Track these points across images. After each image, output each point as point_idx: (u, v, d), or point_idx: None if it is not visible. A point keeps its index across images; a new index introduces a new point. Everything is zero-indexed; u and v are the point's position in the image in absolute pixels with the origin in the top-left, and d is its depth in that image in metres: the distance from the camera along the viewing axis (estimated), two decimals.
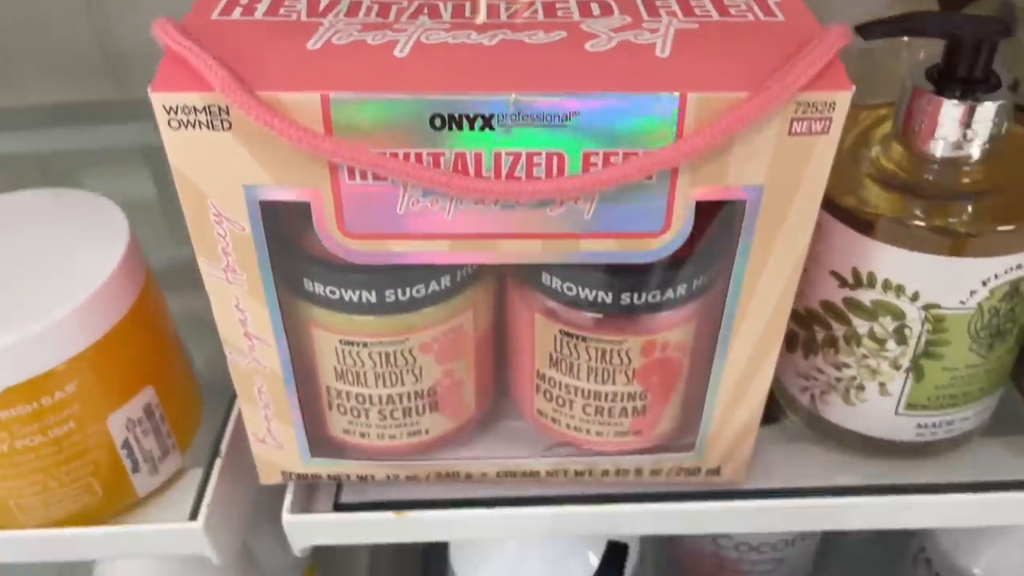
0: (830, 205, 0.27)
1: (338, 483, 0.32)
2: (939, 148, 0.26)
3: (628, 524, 0.30)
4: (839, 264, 0.27)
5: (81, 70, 0.43)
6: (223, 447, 0.32)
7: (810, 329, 0.30)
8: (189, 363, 0.34)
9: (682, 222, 0.23)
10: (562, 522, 0.30)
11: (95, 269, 0.27)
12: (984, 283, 0.26)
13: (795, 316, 0.30)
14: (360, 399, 0.27)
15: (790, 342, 0.31)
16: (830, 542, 0.48)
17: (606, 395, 0.27)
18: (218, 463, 0.32)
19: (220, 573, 0.41)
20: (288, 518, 0.30)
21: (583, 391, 0.28)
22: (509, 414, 0.31)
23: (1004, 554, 0.40)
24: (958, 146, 0.25)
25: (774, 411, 0.33)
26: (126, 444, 0.30)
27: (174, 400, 0.31)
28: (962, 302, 0.26)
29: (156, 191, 0.43)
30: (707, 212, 0.23)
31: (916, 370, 0.28)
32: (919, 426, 0.30)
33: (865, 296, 0.27)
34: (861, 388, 0.29)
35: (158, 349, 0.31)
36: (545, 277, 0.26)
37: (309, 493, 0.31)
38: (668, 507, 0.30)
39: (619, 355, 0.26)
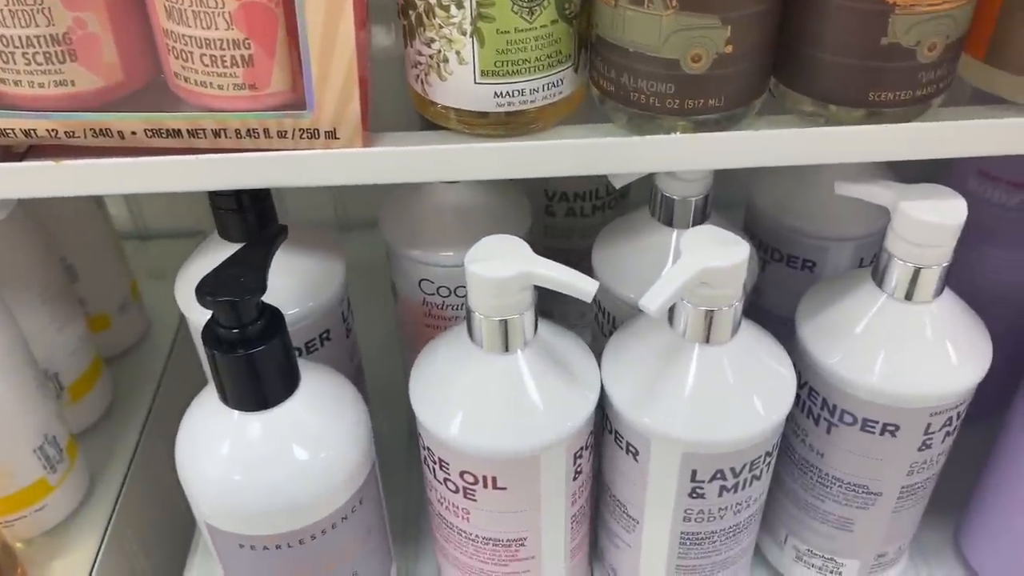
0: None
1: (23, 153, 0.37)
2: None
3: (260, 174, 0.36)
4: None
5: None
6: None
7: (408, 16, 0.36)
8: None
9: None
10: (204, 171, 0.36)
11: None
12: None
13: (401, 10, 0.37)
14: (4, 42, 0.33)
15: (404, 38, 0.38)
16: None
17: (214, 42, 0.33)
18: None
19: None
20: None
21: (195, 39, 0.33)
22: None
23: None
24: None
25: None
26: None
27: None
28: None
29: None
30: None
31: (478, 34, 0.35)
32: (496, 95, 0.36)
33: None
34: (446, 60, 0.36)
35: None
36: None
37: None
38: (289, 155, 0.36)
39: None
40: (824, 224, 0.50)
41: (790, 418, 0.46)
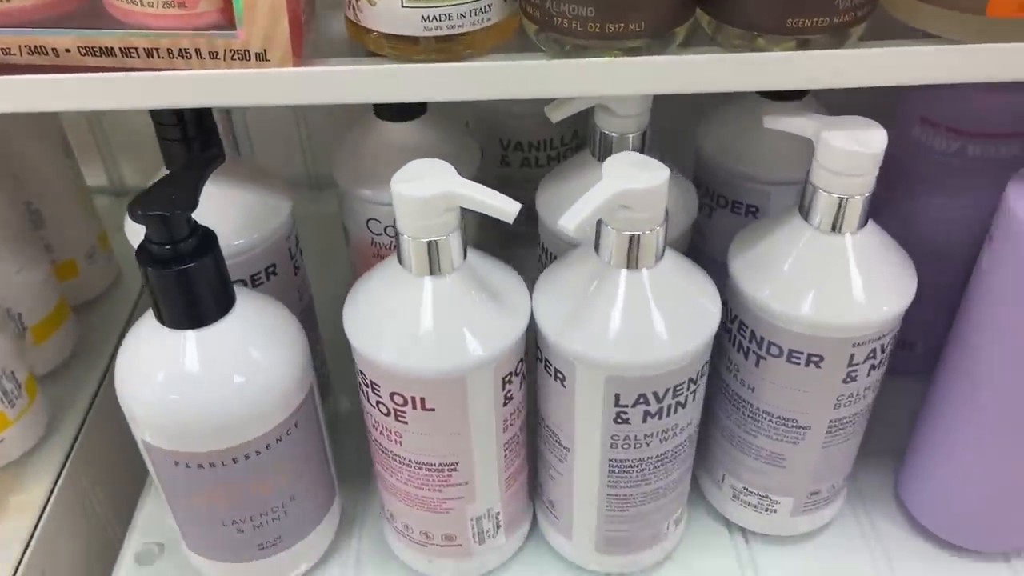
0: None
1: None
2: None
3: (192, 92, 0.37)
4: None
5: None
6: None
7: None
8: None
9: None
10: (135, 89, 0.37)
11: None
12: None
13: None
14: None
15: None
16: None
17: None
18: None
19: None
20: None
21: None
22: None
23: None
24: None
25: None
26: None
27: None
28: None
29: None
30: None
31: None
32: (423, 19, 0.37)
33: None
34: None
35: None
36: None
37: None
38: (221, 73, 0.37)
39: None
40: (767, 168, 0.51)
41: (723, 353, 0.47)
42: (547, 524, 0.51)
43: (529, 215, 0.51)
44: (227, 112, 0.73)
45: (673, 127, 0.56)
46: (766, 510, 0.50)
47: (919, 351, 0.57)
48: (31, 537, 0.53)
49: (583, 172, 0.48)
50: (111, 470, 0.62)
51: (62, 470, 0.57)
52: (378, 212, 0.51)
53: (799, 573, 0.50)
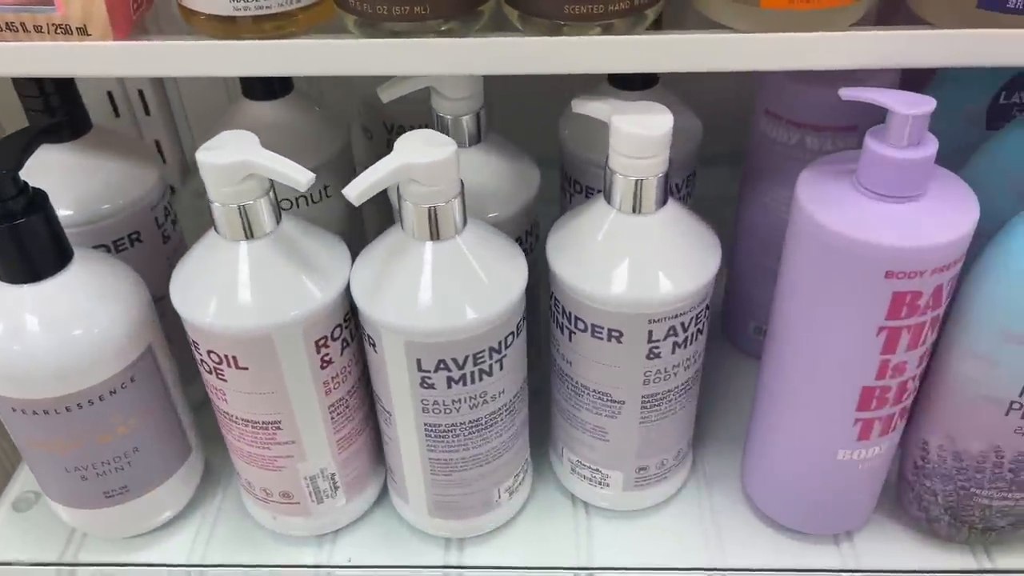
0: None
1: None
2: None
3: (17, 62, 0.40)
4: None
5: None
6: None
7: None
8: None
9: None
10: None
11: None
12: None
13: None
14: None
15: None
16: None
17: None
18: None
19: None
20: None
21: None
22: None
23: None
24: None
25: None
26: None
27: None
28: None
29: None
30: None
31: None
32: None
33: None
34: None
35: None
36: None
37: None
38: (44, 45, 0.40)
39: None
40: None
41: (548, 329, 0.49)
42: (391, 488, 0.53)
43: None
44: (163, 92, 0.76)
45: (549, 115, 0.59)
46: (600, 484, 0.52)
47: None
48: None
49: None
50: None
51: None
52: None
53: (630, 546, 0.52)
